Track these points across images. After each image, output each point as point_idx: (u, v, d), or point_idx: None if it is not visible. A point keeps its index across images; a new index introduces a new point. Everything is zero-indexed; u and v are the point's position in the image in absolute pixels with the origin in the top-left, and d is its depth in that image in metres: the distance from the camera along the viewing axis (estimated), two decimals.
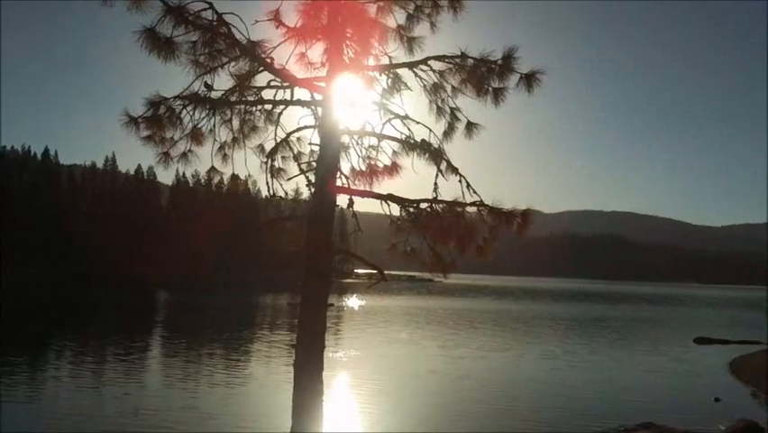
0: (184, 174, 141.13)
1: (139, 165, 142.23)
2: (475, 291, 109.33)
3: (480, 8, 9.05)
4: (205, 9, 7.63)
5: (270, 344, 32.14)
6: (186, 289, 78.49)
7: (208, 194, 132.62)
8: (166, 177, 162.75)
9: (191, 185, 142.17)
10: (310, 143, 9.11)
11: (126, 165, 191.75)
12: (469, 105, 9.15)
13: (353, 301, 66.01)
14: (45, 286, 73.39)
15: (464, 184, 8.66)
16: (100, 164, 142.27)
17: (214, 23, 7.66)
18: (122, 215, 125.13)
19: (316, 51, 9.12)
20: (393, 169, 9.36)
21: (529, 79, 8.20)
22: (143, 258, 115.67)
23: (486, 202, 8.64)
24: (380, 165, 9.36)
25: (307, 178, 8.71)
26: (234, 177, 9.35)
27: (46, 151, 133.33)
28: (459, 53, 8.37)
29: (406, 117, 9.12)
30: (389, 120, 9.15)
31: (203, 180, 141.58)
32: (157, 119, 8.27)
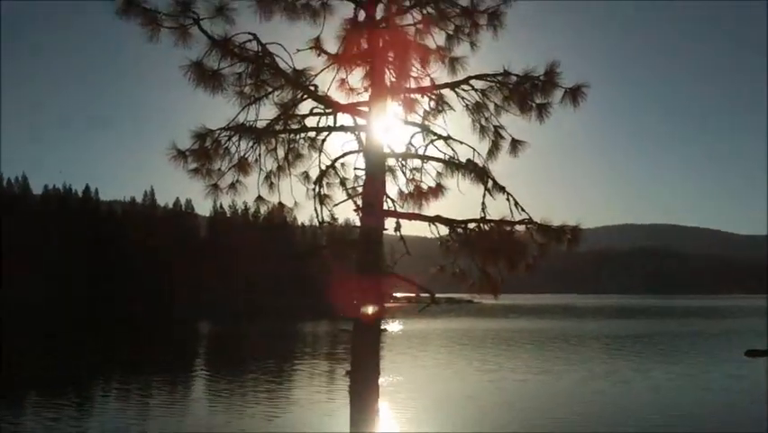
0: (221, 205, 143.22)
1: (177, 198, 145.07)
2: (514, 311, 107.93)
3: (518, 27, 9.05)
4: (249, 40, 7.75)
5: (322, 371, 32.01)
6: (228, 318, 79.00)
7: (246, 224, 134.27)
8: (204, 209, 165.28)
9: (228, 215, 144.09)
10: (355, 168, 9.13)
11: (164, 199, 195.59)
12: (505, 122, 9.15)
13: (393, 325, 65.68)
14: (87, 320, 74.53)
15: (512, 202, 8.60)
16: (139, 199, 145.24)
17: (259, 53, 7.77)
18: (161, 247, 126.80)
19: (357, 77, 9.23)
20: (438, 190, 9.35)
21: (574, 93, 8.14)
22: (184, 289, 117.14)
23: (534, 219, 8.59)
24: (425, 187, 9.36)
25: (355, 202, 8.72)
26: (281, 205, 9.41)
27: (87, 188, 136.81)
28: (501, 71, 8.36)
29: (449, 138, 9.11)
30: (432, 141, 9.15)
31: (239, 211, 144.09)
32: (204, 151, 8.39)
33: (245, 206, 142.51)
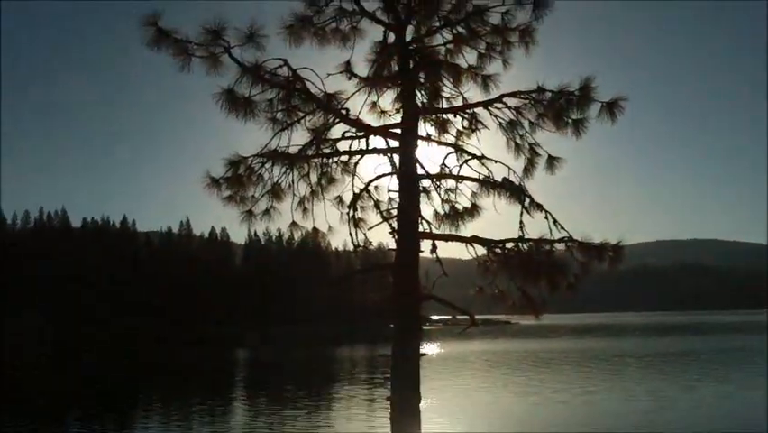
0: (255, 233, 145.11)
1: (212, 227, 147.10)
2: (552, 331, 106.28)
3: (549, 43, 8.92)
4: (280, 66, 7.75)
5: (361, 398, 31.68)
6: (263, 345, 79.02)
7: (280, 251, 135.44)
8: (239, 237, 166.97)
9: (263, 243, 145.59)
10: (389, 191, 9.03)
11: (200, 228, 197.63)
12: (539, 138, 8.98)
13: (430, 348, 65.09)
14: (129, 349, 75.20)
15: (551, 220, 8.40)
16: (176, 229, 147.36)
17: (290, 79, 7.76)
18: (198, 276, 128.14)
19: (388, 99, 9.19)
20: (473, 210, 9.19)
21: (611, 108, 7.95)
22: (220, 317, 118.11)
23: (574, 237, 8.37)
24: (460, 207, 9.21)
25: (390, 225, 8.59)
26: (315, 230, 9.34)
27: (124, 219, 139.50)
28: (535, 87, 8.21)
29: (483, 157, 8.96)
30: (466, 161, 9.02)
31: (274, 238, 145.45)
32: (238, 178, 8.38)
33: (279, 232, 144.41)
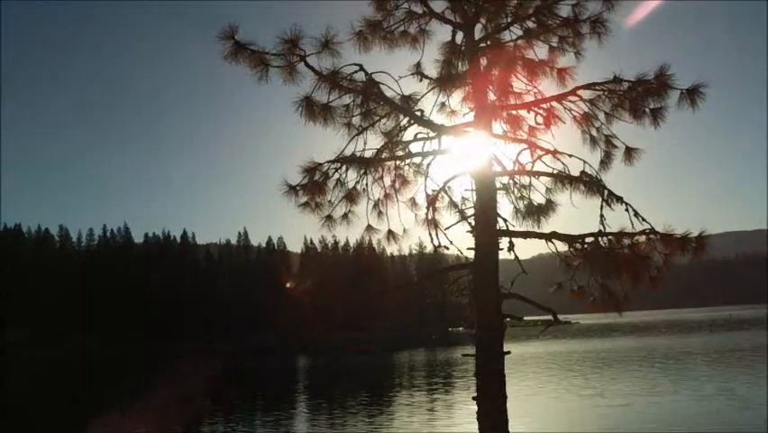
0: (311, 241, 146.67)
1: (269, 237, 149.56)
2: (615, 330, 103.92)
3: (623, 32, 8.77)
4: (356, 72, 7.85)
5: (447, 397, 31.48)
6: (329, 352, 79.41)
7: (335, 257, 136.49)
8: (295, 245, 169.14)
9: (319, 250, 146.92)
10: (465, 190, 9.02)
11: (257, 238, 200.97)
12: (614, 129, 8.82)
13: None
14: (188, 361, 76.67)
15: (631, 212, 8.25)
16: (234, 240, 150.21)
17: (367, 83, 7.85)
18: (256, 286, 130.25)
19: (457, 99, 9.21)
20: (548, 206, 9.11)
21: (692, 95, 7.77)
22: (279, 326, 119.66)
23: (656, 229, 8.21)
24: (535, 204, 9.14)
25: (469, 224, 8.57)
26: (390, 233, 9.40)
27: (184, 233, 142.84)
28: (610, 78, 8.10)
29: (557, 152, 8.87)
30: (540, 157, 8.94)
31: (329, 246, 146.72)
32: (315, 185, 8.51)
33: (334, 240, 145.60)
